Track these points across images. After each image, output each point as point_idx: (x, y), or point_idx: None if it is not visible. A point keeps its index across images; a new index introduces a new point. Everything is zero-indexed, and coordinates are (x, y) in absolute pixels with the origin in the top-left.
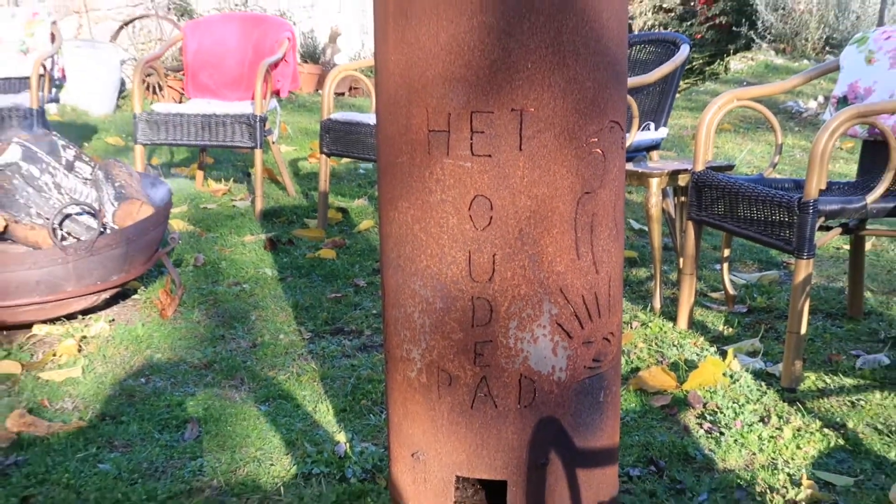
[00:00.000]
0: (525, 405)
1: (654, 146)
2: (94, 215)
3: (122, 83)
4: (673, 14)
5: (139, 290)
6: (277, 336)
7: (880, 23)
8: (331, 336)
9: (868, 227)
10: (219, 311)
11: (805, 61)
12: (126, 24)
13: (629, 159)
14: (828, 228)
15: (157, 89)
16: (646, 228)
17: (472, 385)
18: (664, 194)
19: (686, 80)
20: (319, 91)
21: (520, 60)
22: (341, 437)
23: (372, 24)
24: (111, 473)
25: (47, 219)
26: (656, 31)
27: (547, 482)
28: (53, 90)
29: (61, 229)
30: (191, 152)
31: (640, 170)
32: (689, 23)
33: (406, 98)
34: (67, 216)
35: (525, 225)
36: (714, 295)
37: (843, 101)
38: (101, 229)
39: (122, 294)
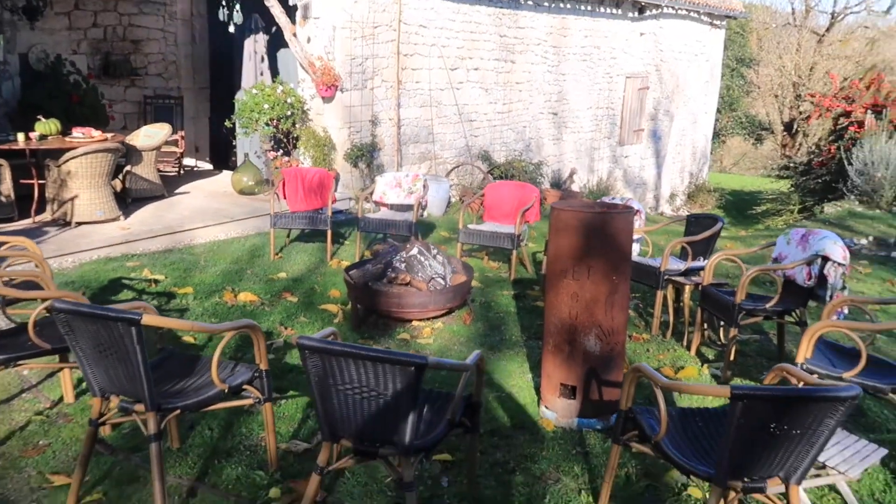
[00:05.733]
0: (585, 361)
1: (702, 268)
2: (443, 279)
3: (449, 199)
4: (798, 170)
5: (455, 311)
6: (512, 338)
7: None
8: (536, 340)
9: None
10: (489, 324)
11: (877, 211)
12: (454, 168)
13: (686, 273)
14: (752, 314)
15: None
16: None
17: (567, 352)
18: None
19: (796, 216)
20: None
21: (590, 253)
22: (531, 373)
23: (593, 166)
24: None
25: (425, 279)
26: (707, 211)
27: (590, 387)
28: (422, 211)
29: (429, 284)
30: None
31: (682, 281)
32: (805, 177)
33: (555, 257)
34: (432, 279)
35: (589, 303)
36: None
37: (776, 260)
38: (445, 284)
39: (449, 312)
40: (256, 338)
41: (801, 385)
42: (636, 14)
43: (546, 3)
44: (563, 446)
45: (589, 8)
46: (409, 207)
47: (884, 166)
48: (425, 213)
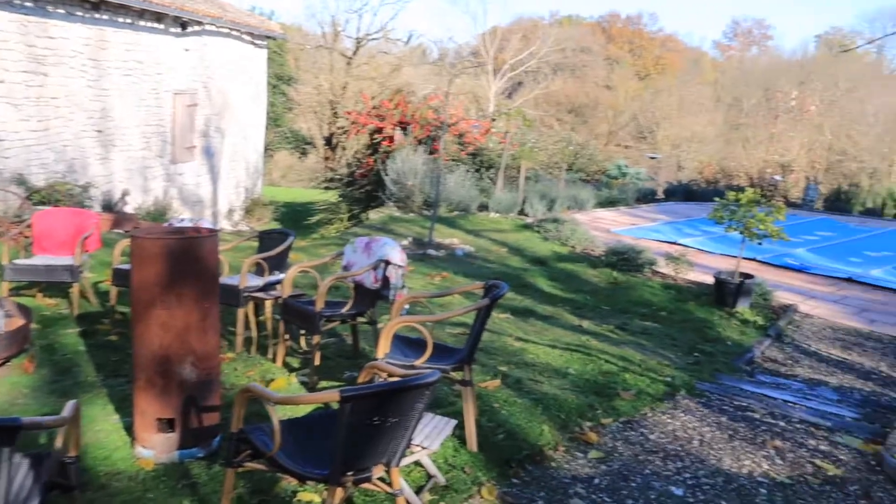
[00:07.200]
0: (182, 391)
1: (278, 282)
2: None
3: None
4: (343, 181)
5: (13, 360)
6: (88, 379)
7: (437, 201)
8: (115, 377)
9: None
10: (57, 368)
11: (412, 214)
12: None
13: (265, 289)
14: (331, 320)
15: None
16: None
17: (161, 385)
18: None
19: (346, 224)
20: (114, 230)
21: (179, 280)
22: (117, 413)
23: (147, 186)
24: None
25: None
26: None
27: (189, 417)
28: None
29: None
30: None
31: (262, 296)
32: (350, 188)
33: (141, 288)
34: None
35: (181, 331)
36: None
37: (346, 268)
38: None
39: (6, 362)
40: None
41: (387, 378)
42: (179, 30)
43: (80, 13)
44: (167, 483)
45: (129, 21)
46: None
47: (413, 175)
48: None
